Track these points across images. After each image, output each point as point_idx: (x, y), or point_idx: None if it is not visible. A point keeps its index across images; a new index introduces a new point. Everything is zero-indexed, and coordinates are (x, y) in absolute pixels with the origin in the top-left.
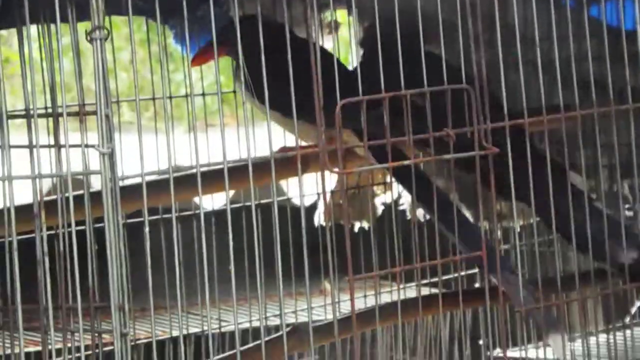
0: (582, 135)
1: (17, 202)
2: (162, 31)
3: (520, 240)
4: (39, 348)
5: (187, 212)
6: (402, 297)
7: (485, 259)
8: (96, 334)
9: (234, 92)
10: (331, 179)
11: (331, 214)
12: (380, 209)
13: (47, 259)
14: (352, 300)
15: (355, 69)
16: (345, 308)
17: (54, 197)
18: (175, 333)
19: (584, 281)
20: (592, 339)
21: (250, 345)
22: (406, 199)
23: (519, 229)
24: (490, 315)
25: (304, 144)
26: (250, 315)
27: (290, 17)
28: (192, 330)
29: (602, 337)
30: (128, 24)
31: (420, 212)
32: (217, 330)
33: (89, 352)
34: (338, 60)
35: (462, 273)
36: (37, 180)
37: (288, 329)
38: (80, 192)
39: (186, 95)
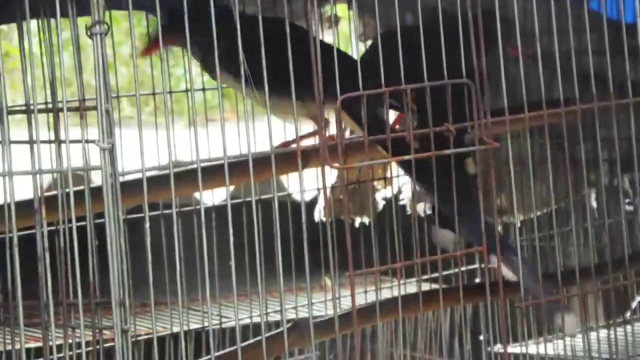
0: (582, 130)
1: (17, 198)
2: None
3: (521, 235)
4: (40, 344)
5: (187, 207)
6: (402, 292)
7: (485, 246)
8: (97, 330)
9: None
10: (331, 174)
11: (332, 209)
12: (380, 204)
13: (47, 255)
14: (352, 295)
15: (365, 58)
16: (345, 303)
17: (54, 192)
18: (175, 329)
19: (584, 276)
20: (593, 334)
21: (251, 341)
22: (406, 194)
23: (519, 224)
24: (490, 310)
25: (304, 143)
26: (251, 310)
27: (290, 12)
28: (193, 326)
29: (603, 333)
30: (128, 19)
31: (420, 207)
32: (218, 326)
33: (90, 348)
34: (345, 53)
35: (463, 268)
36: (38, 175)
37: (289, 324)
38: (81, 187)
39: (186, 90)
